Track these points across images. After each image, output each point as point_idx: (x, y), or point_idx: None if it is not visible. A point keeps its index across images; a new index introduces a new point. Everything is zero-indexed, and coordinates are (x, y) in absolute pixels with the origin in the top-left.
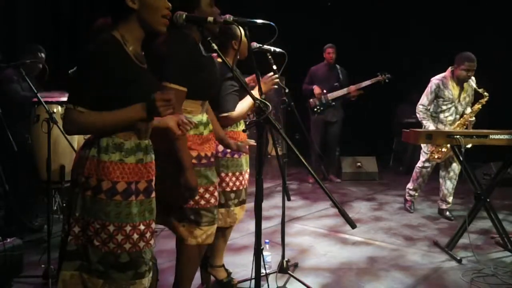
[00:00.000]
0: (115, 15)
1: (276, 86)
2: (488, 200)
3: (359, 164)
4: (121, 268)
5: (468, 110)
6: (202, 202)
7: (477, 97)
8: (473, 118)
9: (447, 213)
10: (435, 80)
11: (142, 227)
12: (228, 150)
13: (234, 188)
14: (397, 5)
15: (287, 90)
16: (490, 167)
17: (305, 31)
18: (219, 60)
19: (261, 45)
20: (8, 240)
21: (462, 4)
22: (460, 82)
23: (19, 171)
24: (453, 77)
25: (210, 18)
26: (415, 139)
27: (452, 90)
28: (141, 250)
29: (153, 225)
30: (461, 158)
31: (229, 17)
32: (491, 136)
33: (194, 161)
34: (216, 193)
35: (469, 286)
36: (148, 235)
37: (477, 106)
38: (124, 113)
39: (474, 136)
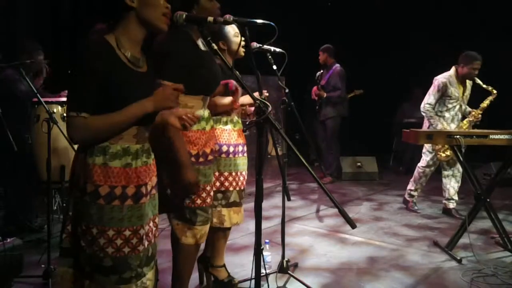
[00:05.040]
0: (113, 16)
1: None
2: (488, 200)
3: (359, 164)
4: (105, 271)
5: (468, 108)
6: (199, 201)
7: (479, 93)
8: (480, 116)
9: (454, 211)
10: (441, 78)
11: (127, 232)
12: (224, 150)
13: (222, 188)
14: (398, 5)
15: (287, 90)
16: (490, 167)
17: (305, 31)
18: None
19: (261, 45)
20: (8, 240)
21: (462, 5)
22: (464, 81)
23: (19, 171)
24: (458, 76)
25: (210, 18)
26: (415, 139)
27: (458, 88)
28: (126, 256)
29: (142, 231)
30: (461, 158)
31: (229, 17)
32: (491, 136)
33: (193, 159)
34: (212, 193)
35: (469, 286)
36: (134, 241)
37: (486, 103)
38: (130, 110)
39: (474, 136)
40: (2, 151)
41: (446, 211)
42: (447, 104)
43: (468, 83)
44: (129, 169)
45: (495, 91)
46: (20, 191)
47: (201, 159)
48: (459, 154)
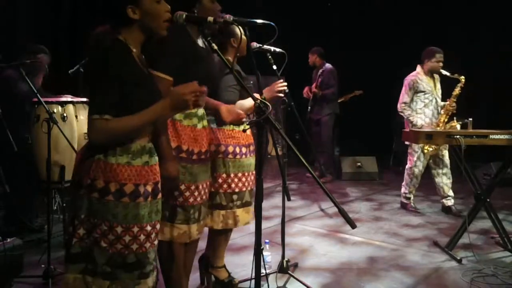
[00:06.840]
0: (116, 24)
1: (281, 94)
2: (488, 200)
3: (359, 164)
4: (128, 268)
5: (442, 103)
6: (180, 199)
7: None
8: (454, 105)
9: (454, 208)
10: (410, 77)
11: (148, 228)
12: (237, 151)
13: (237, 190)
14: (398, 6)
15: (287, 90)
16: (490, 167)
17: (305, 31)
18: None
19: (261, 45)
20: (8, 240)
21: (461, 6)
22: (432, 75)
23: (19, 171)
24: (425, 72)
25: (210, 18)
26: (415, 139)
27: (429, 82)
28: (147, 251)
29: (158, 226)
30: (461, 158)
31: (229, 17)
32: (491, 136)
33: (183, 155)
34: (196, 193)
35: (469, 286)
36: (153, 235)
37: (457, 91)
38: (148, 113)
39: (474, 136)
40: (2, 151)
41: (446, 209)
42: (423, 100)
43: (436, 78)
44: (147, 167)
45: (462, 78)
46: (20, 191)
47: (182, 155)
48: (459, 153)
